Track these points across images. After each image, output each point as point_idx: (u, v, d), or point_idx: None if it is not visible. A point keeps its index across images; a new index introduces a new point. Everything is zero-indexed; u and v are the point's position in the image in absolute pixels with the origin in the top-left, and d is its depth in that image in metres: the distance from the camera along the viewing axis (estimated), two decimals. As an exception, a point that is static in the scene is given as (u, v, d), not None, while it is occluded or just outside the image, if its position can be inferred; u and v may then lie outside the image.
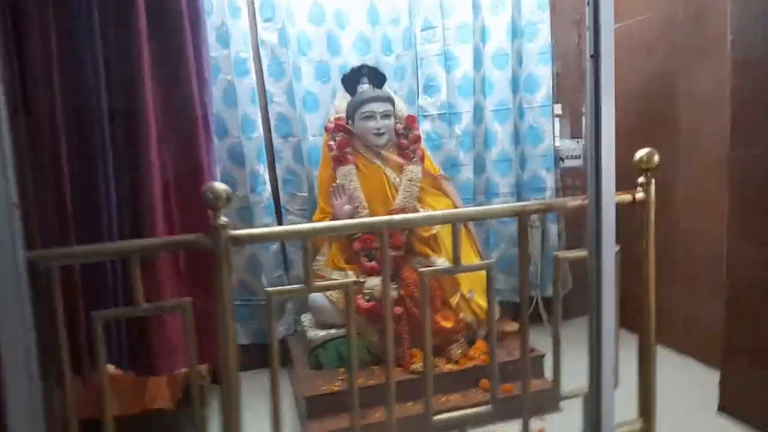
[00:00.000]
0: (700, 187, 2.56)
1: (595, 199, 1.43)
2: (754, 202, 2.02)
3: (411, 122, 2.60)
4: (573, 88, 3.15)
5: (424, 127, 2.95)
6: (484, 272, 2.59)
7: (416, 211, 2.50)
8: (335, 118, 2.56)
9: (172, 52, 1.50)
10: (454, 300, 2.43)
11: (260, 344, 2.86)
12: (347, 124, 2.56)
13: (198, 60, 1.55)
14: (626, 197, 1.76)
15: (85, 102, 1.42)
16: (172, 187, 1.55)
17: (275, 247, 2.80)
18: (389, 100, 2.54)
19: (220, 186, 1.42)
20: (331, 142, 2.53)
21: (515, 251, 3.14)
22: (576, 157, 3.24)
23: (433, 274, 1.74)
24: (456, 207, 2.61)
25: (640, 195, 1.76)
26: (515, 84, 3.02)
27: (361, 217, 2.46)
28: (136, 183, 1.48)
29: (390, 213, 2.44)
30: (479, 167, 3.07)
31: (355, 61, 2.76)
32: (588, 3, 1.30)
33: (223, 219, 1.43)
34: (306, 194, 2.81)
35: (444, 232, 2.49)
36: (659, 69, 2.71)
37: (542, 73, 3.00)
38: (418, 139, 2.59)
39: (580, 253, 1.79)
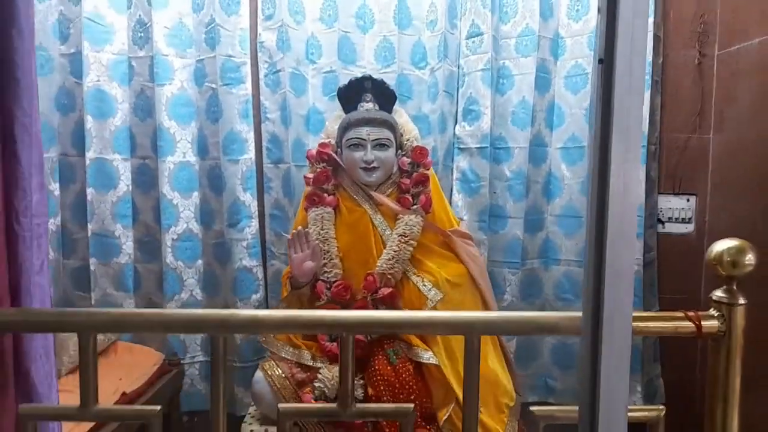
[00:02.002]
0: None
1: (591, 320, 0.72)
2: None
3: (419, 156, 1.89)
4: (683, 125, 2.24)
5: (460, 164, 2.24)
6: (498, 374, 1.85)
7: (401, 277, 1.79)
8: (320, 144, 1.94)
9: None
10: (444, 415, 1.68)
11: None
12: (336, 152, 1.93)
13: (5, 51, 1.05)
14: (683, 324, 0.95)
15: None
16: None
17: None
18: (385, 124, 1.86)
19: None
20: (309, 175, 1.92)
21: (575, 341, 2.29)
22: (683, 221, 2.31)
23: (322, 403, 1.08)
24: (472, 276, 1.86)
25: (711, 323, 0.94)
26: (595, 114, 2.19)
27: (329, 277, 1.81)
28: None
29: (366, 279, 1.77)
30: (534, 223, 2.27)
31: (376, 74, 2.13)
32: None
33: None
34: (293, 236, 2.23)
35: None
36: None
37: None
38: (424, 179, 1.87)
39: (569, 410, 0.99)
